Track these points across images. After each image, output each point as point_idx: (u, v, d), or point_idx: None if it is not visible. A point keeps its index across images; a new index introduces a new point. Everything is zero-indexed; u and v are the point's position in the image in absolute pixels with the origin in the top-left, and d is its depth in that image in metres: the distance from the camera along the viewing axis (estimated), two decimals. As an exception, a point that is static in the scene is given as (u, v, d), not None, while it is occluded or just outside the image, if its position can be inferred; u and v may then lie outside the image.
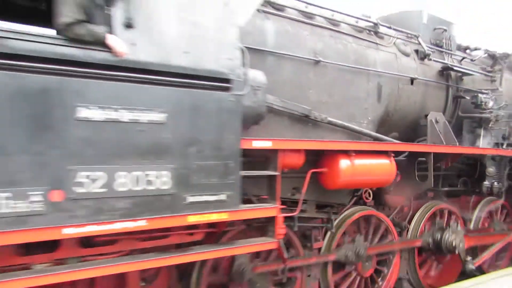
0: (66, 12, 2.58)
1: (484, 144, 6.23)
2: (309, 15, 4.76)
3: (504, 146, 6.32)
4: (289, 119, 4.36)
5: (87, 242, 3.02)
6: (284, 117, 4.31)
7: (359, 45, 5.12)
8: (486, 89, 6.49)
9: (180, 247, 3.47)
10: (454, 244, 5.62)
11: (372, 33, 5.39)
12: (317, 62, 4.55)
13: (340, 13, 5.11)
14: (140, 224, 2.94)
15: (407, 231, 5.72)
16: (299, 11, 4.68)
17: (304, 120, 4.46)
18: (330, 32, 4.83)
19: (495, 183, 6.22)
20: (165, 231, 3.29)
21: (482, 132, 6.30)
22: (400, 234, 5.63)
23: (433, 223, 5.95)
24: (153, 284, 3.85)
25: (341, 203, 4.89)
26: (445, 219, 6.05)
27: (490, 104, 6.23)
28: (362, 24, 5.35)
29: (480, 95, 6.26)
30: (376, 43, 5.33)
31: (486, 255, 6.34)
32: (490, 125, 6.22)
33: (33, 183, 2.55)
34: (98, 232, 2.79)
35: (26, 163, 2.54)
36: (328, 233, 4.82)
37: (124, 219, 2.87)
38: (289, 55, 4.30)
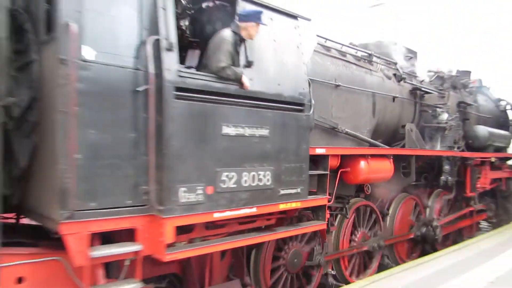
0: (222, 59, 3.63)
1: (442, 147, 7.99)
2: (327, 48, 6.08)
3: (455, 149, 8.14)
4: (320, 130, 5.64)
5: (209, 225, 4.04)
6: (317, 129, 5.57)
7: (360, 71, 6.55)
8: (440, 104, 8.29)
9: (257, 230, 4.57)
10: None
11: (366, 60, 6.85)
12: (337, 86, 5.88)
13: (346, 46, 6.50)
14: (253, 210, 4.04)
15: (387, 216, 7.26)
16: (321, 45, 5.98)
17: (329, 131, 5.77)
18: (342, 62, 6.19)
19: (449, 178, 8.02)
20: (255, 217, 4.39)
21: (439, 138, 8.06)
22: (382, 219, 7.13)
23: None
24: (224, 258, 4.88)
25: (350, 194, 6.27)
26: (413, 207, 7.71)
27: (445, 116, 8.01)
28: (359, 53, 6.80)
29: (437, 109, 8.02)
30: (370, 70, 6.80)
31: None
32: (445, 133, 7.99)
33: (198, 181, 3.56)
34: (230, 216, 3.85)
35: (194, 166, 3.54)
36: (338, 219, 6.14)
37: (245, 206, 3.95)
38: (322, 81, 5.58)
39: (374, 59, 7.03)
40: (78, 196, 2.96)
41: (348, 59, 6.37)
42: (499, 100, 11.84)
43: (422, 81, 8.41)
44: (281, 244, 5.13)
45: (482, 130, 9.45)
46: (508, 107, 11.83)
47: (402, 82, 7.47)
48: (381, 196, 7.07)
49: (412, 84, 7.78)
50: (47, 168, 3.12)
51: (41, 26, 3.24)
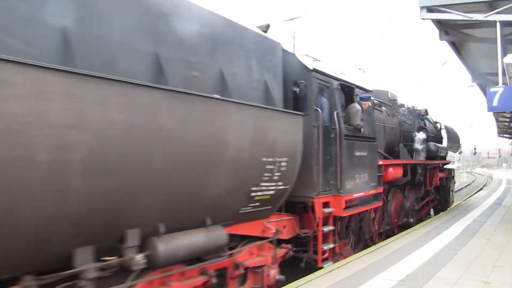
0: (358, 120, 7.48)
1: (418, 159, 12.44)
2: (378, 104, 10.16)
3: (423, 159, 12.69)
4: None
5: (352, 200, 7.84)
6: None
7: (378, 113, 10.71)
8: (413, 130, 12.78)
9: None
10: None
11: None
12: (383, 126, 9.96)
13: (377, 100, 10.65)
14: (362, 193, 7.92)
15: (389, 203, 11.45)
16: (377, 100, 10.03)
17: (371, 150, 9.83)
18: (377, 111, 10.31)
19: (420, 177, 12.52)
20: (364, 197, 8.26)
21: (414, 153, 12.53)
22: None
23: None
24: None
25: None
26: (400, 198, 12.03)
27: (422, 136, 12.51)
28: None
29: (414, 133, 12.50)
30: (381, 111, 11.00)
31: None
32: (420, 149, 12.49)
33: (350, 178, 7.36)
34: (357, 196, 7.69)
35: (349, 171, 7.34)
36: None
37: (362, 191, 7.81)
38: (378, 124, 9.62)
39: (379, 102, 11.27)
40: (319, 185, 6.65)
41: (380, 109, 10.52)
42: (436, 122, 16.88)
43: (402, 114, 12.87)
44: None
45: (433, 145, 14.18)
46: (442, 126, 16.89)
47: (393, 117, 11.81)
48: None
49: (399, 118, 12.16)
50: (307, 173, 6.64)
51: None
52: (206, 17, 4.98)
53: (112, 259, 3.98)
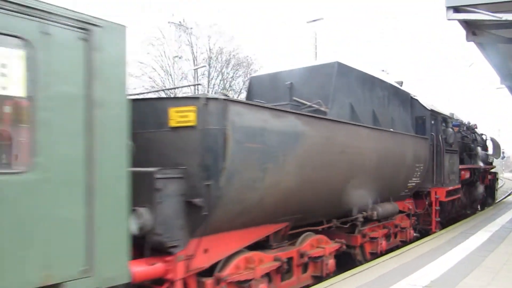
0: (452, 140, 11.55)
1: (476, 165, 16.38)
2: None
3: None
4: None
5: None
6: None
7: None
8: (470, 142, 16.71)
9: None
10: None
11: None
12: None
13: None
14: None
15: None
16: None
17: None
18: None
19: (478, 179, 16.44)
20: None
21: (472, 160, 16.46)
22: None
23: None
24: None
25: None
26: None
27: (477, 148, 16.45)
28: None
29: (472, 144, 16.45)
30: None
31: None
32: (477, 157, 16.41)
33: (453, 184, 11.43)
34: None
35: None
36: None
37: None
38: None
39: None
40: (434, 181, 10.76)
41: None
42: (482, 134, 20.63)
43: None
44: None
45: (484, 154, 18.00)
46: (487, 137, 20.66)
47: (458, 132, 15.77)
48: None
49: (462, 133, 16.11)
50: (427, 173, 10.78)
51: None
52: (387, 85, 9.15)
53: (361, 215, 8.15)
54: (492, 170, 20.32)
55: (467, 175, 14.38)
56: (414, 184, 9.82)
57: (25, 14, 2.90)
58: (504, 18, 7.87)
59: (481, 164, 16.49)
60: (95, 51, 3.28)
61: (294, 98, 7.66)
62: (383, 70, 14.42)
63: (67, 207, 3.07)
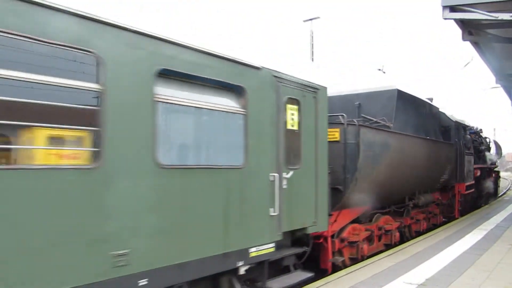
0: (470, 145, 14.30)
1: (484, 164, 19.20)
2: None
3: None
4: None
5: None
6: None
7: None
8: (478, 144, 19.53)
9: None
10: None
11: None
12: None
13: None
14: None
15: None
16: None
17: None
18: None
19: (485, 177, 19.28)
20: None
21: (481, 160, 19.28)
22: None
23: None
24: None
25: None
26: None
27: (484, 150, 19.28)
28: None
29: (480, 147, 19.28)
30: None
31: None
32: (484, 158, 19.23)
33: (469, 179, 14.22)
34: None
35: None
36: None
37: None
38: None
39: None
40: (457, 177, 13.53)
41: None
42: (485, 137, 23.47)
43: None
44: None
45: (490, 155, 20.83)
46: (490, 140, 23.49)
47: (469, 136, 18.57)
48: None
49: (471, 137, 18.92)
50: (452, 171, 13.54)
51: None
52: (426, 104, 11.89)
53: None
54: (495, 169, 23.20)
55: (478, 173, 17.16)
56: (444, 179, 12.58)
57: (301, 90, 5.66)
58: (499, 18, 7.91)
59: (488, 163, 19.30)
60: (317, 102, 6.01)
61: (362, 115, 10.36)
62: (379, 69, 16.58)
63: (311, 187, 5.86)
